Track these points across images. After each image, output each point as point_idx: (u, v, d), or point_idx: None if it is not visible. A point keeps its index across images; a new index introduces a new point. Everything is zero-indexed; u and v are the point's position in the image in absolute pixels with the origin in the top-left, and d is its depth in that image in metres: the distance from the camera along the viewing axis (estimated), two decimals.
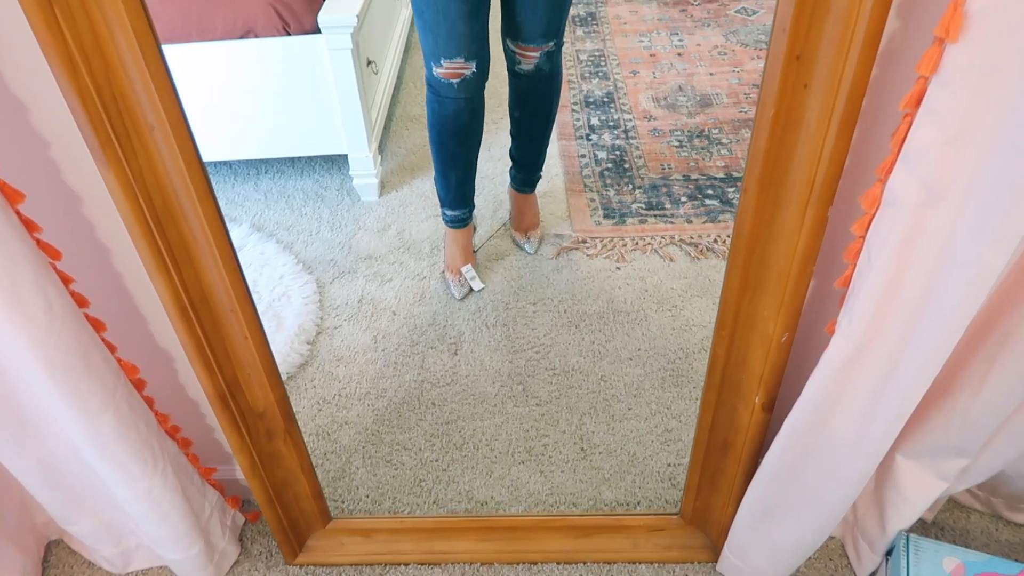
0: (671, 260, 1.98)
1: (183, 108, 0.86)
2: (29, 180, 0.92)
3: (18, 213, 0.85)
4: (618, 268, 1.96)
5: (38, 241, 0.88)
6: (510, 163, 2.00)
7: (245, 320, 1.05)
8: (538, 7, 1.59)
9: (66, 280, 0.93)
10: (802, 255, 0.93)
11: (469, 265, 1.93)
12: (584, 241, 2.05)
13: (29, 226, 0.87)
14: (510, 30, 1.66)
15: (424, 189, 2.26)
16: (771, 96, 0.83)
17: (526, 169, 2.00)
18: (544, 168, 2.02)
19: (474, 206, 1.93)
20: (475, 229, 2.03)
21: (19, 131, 0.92)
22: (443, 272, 1.95)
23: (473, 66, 1.61)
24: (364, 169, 2.18)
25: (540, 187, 2.08)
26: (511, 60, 1.73)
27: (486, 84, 1.68)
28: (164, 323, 1.11)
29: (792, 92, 0.83)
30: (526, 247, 2.02)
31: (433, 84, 1.64)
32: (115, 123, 0.83)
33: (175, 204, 0.91)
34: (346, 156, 2.21)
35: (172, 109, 0.84)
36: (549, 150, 1.98)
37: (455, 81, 1.61)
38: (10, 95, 0.90)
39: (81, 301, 0.97)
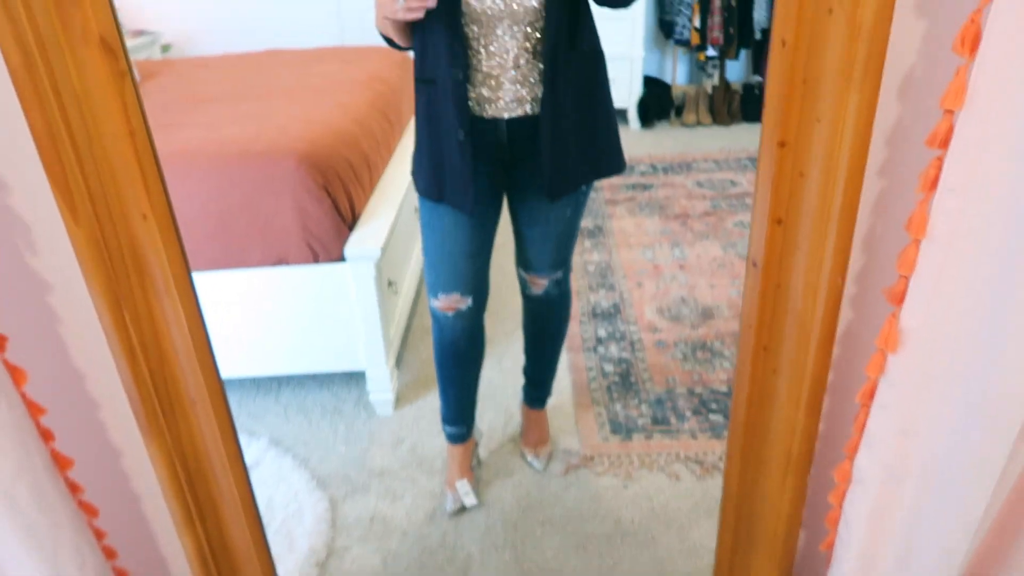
0: (677, 478, 2.02)
1: (222, 383, 0.97)
2: (77, 442, 1.02)
3: (66, 478, 0.94)
4: (625, 487, 2.00)
5: (80, 502, 0.97)
6: (522, 378, 2.11)
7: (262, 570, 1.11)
8: (547, 242, 1.76)
9: (99, 535, 1.01)
10: (787, 517, 0.99)
11: (465, 480, 1.95)
12: (592, 458, 2.10)
13: (73, 489, 0.96)
14: (522, 261, 1.83)
15: (436, 404, 2.34)
16: (744, 378, 0.94)
17: (537, 386, 2.10)
18: (553, 382, 2.12)
19: (473, 424, 2.01)
20: (476, 444, 2.10)
21: (77, 397, 1.04)
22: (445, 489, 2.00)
23: (469, 300, 1.72)
24: (381, 385, 2.29)
25: (549, 400, 2.17)
26: (523, 285, 1.89)
27: (484, 313, 1.82)
28: (184, 569, 1.16)
29: (763, 376, 0.93)
30: (535, 464, 2.08)
31: (434, 312, 1.79)
32: (162, 400, 0.94)
33: (208, 468, 1.00)
34: (364, 372, 2.33)
35: (213, 386, 0.96)
36: (560, 358, 2.09)
37: (451, 313, 1.74)
38: (71, 367, 1.03)
39: (110, 553, 1.03)
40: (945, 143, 0.70)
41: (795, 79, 0.78)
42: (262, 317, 2.25)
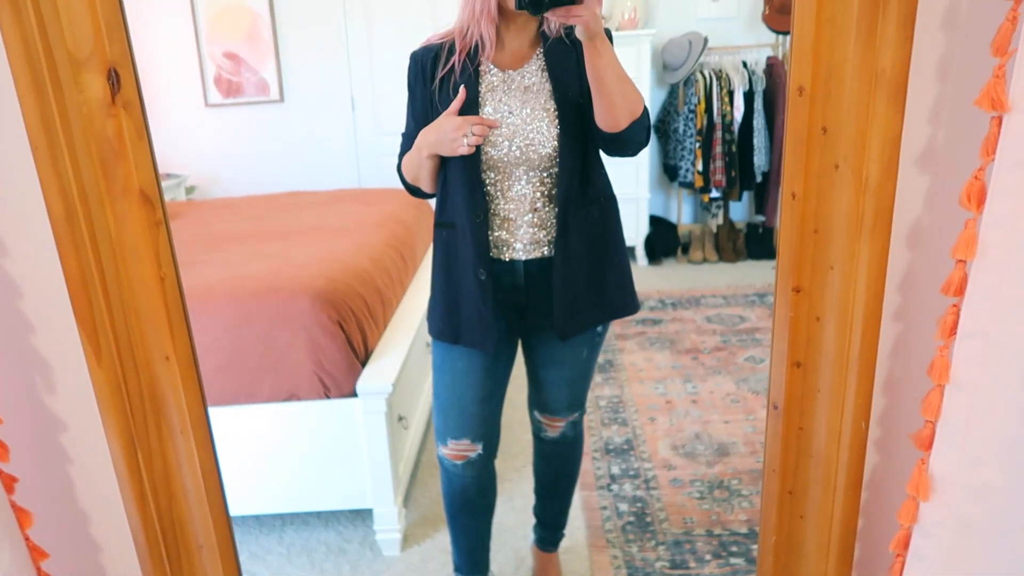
0: None
1: (232, 527, 0.95)
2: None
3: None
4: None
5: None
6: (533, 518, 2.04)
7: None
8: (563, 384, 1.74)
9: None
10: None
11: None
12: None
13: None
14: (538, 403, 1.81)
15: (445, 544, 2.26)
16: (770, 525, 0.91)
17: (550, 528, 2.03)
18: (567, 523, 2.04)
19: (488, 571, 1.93)
20: None
21: (81, 540, 1.01)
22: None
23: (480, 447, 1.67)
24: (388, 524, 2.22)
25: (562, 542, 2.09)
26: (538, 428, 1.85)
27: (495, 459, 1.76)
28: None
29: (789, 523, 0.90)
30: None
31: (442, 461, 1.73)
32: (169, 544, 0.91)
33: None
34: (371, 510, 2.26)
35: (223, 530, 0.93)
36: (574, 495, 2.02)
37: (460, 462, 1.68)
38: (78, 508, 1.01)
39: None
40: (960, 291, 0.71)
41: (806, 229, 0.80)
42: (269, 453, 2.22)
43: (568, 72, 1.47)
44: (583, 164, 1.50)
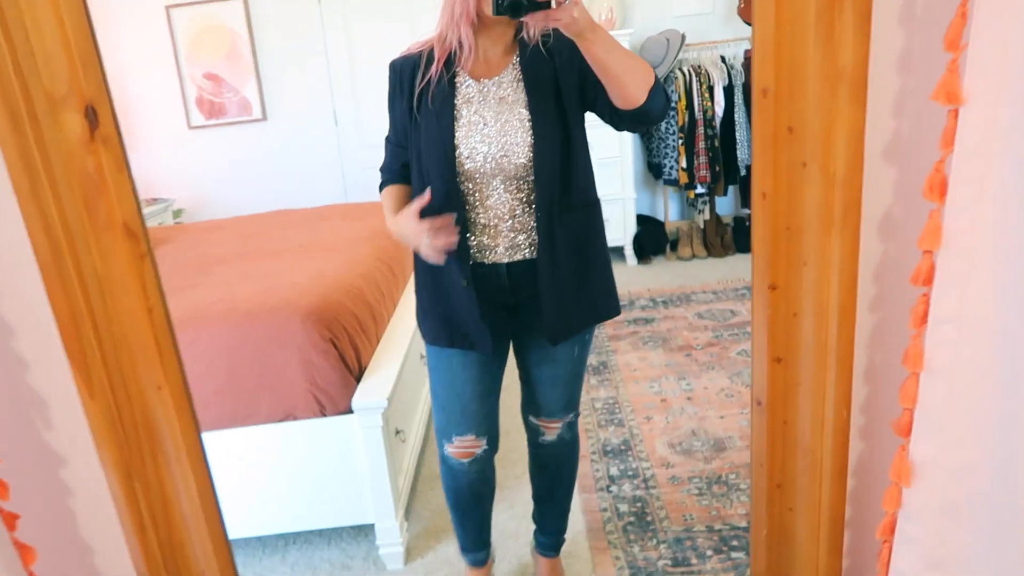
0: None
1: (232, 551, 0.96)
2: None
3: None
4: None
5: None
6: (533, 524, 2.05)
7: None
8: (557, 384, 1.76)
9: None
10: None
11: None
12: None
13: None
14: (532, 407, 1.82)
15: (449, 555, 2.28)
16: (761, 518, 0.92)
17: (550, 534, 2.04)
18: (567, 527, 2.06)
19: (491, 546, 2.02)
20: (494, 561, 2.09)
21: (85, 569, 1.02)
22: None
23: (484, 443, 1.72)
24: (390, 538, 2.23)
25: (564, 546, 2.10)
26: (533, 433, 1.87)
27: (497, 452, 1.81)
28: None
29: (780, 515, 0.92)
30: None
31: (447, 460, 1.77)
32: (170, 572, 0.92)
33: None
34: (373, 525, 2.27)
35: (223, 554, 0.94)
36: (573, 499, 2.05)
37: (466, 460, 1.72)
38: (80, 540, 1.01)
39: None
40: (929, 280, 0.73)
41: (778, 226, 0.82)
42: (268, 474, 2.22)
43: (544, 82, 1.49)
44: (561, 171, 1.52)
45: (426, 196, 1.46)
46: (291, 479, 2.22)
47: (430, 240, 1.40)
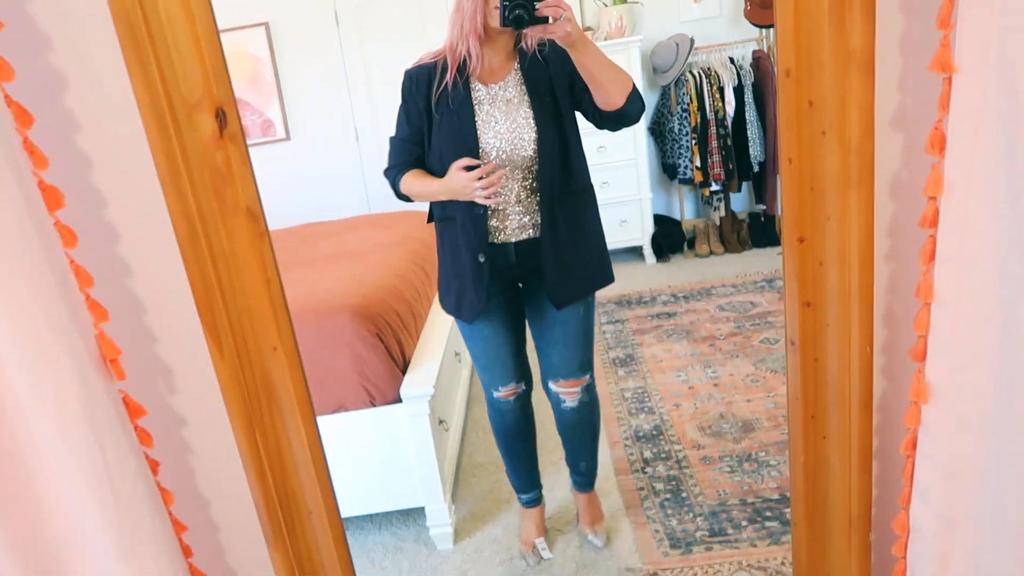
0: None
1: (335, 494, 1.09)
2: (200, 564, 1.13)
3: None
4: None
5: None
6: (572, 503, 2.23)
7: None
8: (568, 342, 1.97)
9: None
10: (857, 575, 1.07)
11: (542, 538, 2.23)
12: (655, 574, 2.13)
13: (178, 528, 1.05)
14: (549, 370, 2.04)
15: (496, 534, 2.40)
16: (798, 446, 1.05)
17: (583, 473, 2.27)
18: (606, 503, 2.33)
19: (541, 486, 2.28)
20: (544, 504, 2.33)
21: (202, 522, 1.16)
22: (520, 547, 2.24)
23: (523, 385, 2.08)
24: (440, 519, 2.36)
25: (605, 529, 2.26)
26: (556, 400, 2.08)
27: (532, 390, 2.14)
28: None
29: (815, 443, 1.05)
30: (595, 541, 2.24)
31: (494, 403, 2.09)
32: (284, 513, 1.06)
33: (322, 574, 1.10)
34: (422, 508, 2.40)
35: (328, 496, 1.08)
36: (610, 481, 2.36)
37: (511, 398, 2.07)
38: (199, 494, 1.16)
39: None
40: (934, 223, 0.86)
41: (803, 187, 0.96)
42: None
43: (542, 85, 1.75)
44: (560, 161, 1.77)
45: (464, 161, 1.67)
46: (343, 467, 2.36)
47: (481, 184, 1.63)
